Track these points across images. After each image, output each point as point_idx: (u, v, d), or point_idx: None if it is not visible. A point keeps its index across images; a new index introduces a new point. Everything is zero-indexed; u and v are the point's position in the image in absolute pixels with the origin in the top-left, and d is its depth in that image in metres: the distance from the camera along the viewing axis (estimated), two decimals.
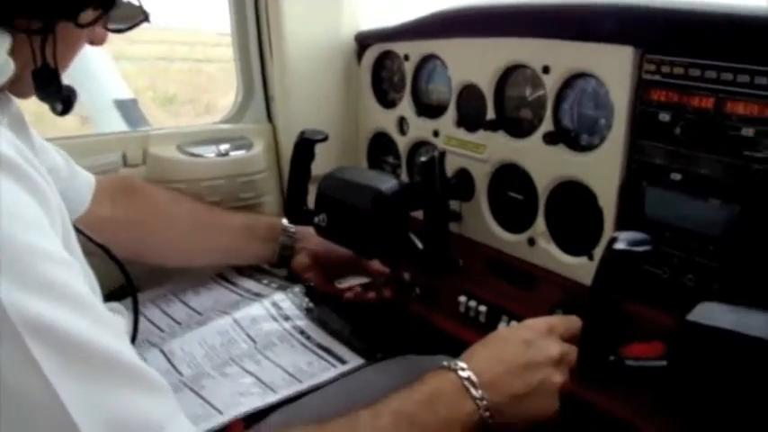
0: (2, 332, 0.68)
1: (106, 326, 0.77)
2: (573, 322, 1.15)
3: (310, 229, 1.54)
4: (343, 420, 0.96)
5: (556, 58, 1.35)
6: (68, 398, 0.70)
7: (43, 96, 1.00)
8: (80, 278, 0.79)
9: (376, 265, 1.62)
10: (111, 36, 1.04)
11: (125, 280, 1.17)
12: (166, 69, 9.09)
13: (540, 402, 1.07)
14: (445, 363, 1.07)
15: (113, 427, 0.73)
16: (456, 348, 1.16)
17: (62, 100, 1.02)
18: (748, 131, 1.06)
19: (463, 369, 1.04)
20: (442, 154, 1.36)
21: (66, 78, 1.01)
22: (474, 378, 1.03)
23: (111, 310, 1.16)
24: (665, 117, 1.17)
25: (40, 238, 0.75)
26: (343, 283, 1.58)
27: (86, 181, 1.45)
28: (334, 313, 1.55)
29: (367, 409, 0.98)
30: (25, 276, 0.71)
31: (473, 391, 1.02)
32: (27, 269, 0.71)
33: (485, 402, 1.02)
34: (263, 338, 1.41)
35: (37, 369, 0.69)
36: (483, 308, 1.53)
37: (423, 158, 1.34)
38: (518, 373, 1.06)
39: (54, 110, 1.03)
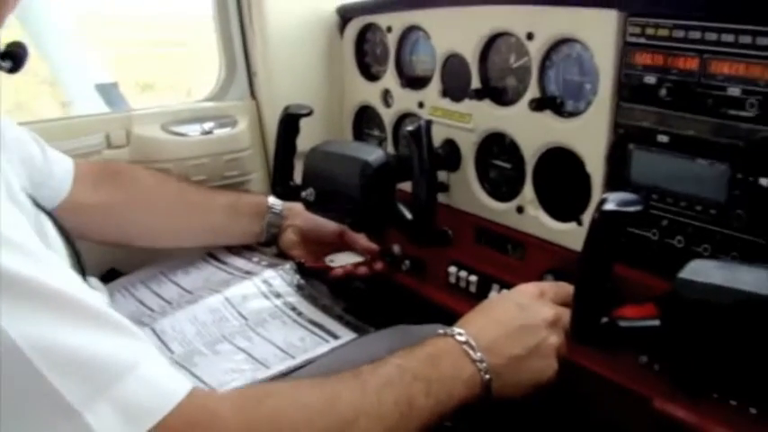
0: None
1: (58, 271, 0.77)
2: (563, 287, 1.18)
3: (297, 206, 1.54)
4: (347, 372, 0.96)
5: (539, 24, 1.34)
6: (21, 338, 0.69)
7: None
8: (23, 225, 0.78)
9: (363, 241, 1.62)
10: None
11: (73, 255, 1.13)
12: (144, 55, 9.01)
13: (539, 364, 1.09)
14: (441, 330, 1.08)
15: (76, 366, 0.72)
16: (447, 319, 1.17)
17: (9, 57, 0.98)
18: (734, 91, 1.06)
19: (461, 334, 1.06)
20: (429, 122, 1.35)
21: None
22: (472, 341, 1.05)
23: (91, 286, 1.15)
24: (650, 80, 1.17)
25: None
26: (335, 262, 1.58)
27: (64, 167, 1.43)
28: (325, 289, 1.55)
29: (368, 365, 0.98)
30: None
31: (472, 353, 1.04)
32: None
33: (484, 365, 1.03)
34: (255, 316, 1.41)
35: None
36: (473, 278, 1.53)
37: (409, 128, 1.33)
38: (515, 335, 1.08)
39: (2, 68, 0.98)
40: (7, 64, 0.98)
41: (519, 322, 1.10)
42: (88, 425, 0.71)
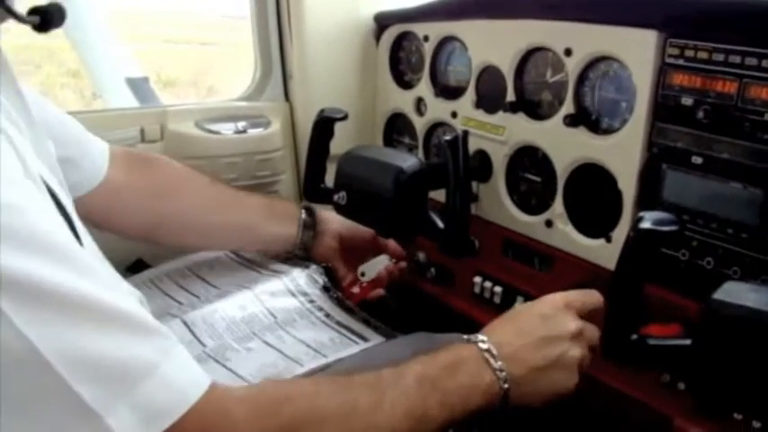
0: None
1: (86, 272, 0.76)
2: (590, 296, 1.16)
3: (329, 213, 1.55)
4: (369, 375, 0.98)
5: (578, 40, 1.35)
6: (44, 346, 0.69)
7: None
8: (59, 226, 0.78)
9: (393, 244, 1.62)
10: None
11: None
12: (168, 51, 9.09)
13: (559, 376, 1.09)
14: (465, 336, 1.09)
15: (98, 370, 0.73)
16: (470, 329, 1.18)
17: (38, 13, 0.91)
18: None
19: (483, 341, 1.06)
20: (466, 133, 1.36)
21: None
22: (494, 350, 1.05)
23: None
24: (687, 101, 1.18)
25: (14, 189, 0.73)
26: (367, 274, 1.55)
27: (100, 149, 1.41)
28: None
29: (391, 369, 0.99)
30: None
31: (492, 362, 1.04)
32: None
33: (504, 374, 1.04)
34: (284, 314, 1.41)
35: (8, 321, 0.68)
36: (498, 289, 1.54)
37: (447, 137, 1.34)
38: (537, 346, 1.08)
39: (28, 23, 0.90)
40: (35, 19, 0.91)
41: (542, 333, 1.10)
42: (108, 427, 0.72)
